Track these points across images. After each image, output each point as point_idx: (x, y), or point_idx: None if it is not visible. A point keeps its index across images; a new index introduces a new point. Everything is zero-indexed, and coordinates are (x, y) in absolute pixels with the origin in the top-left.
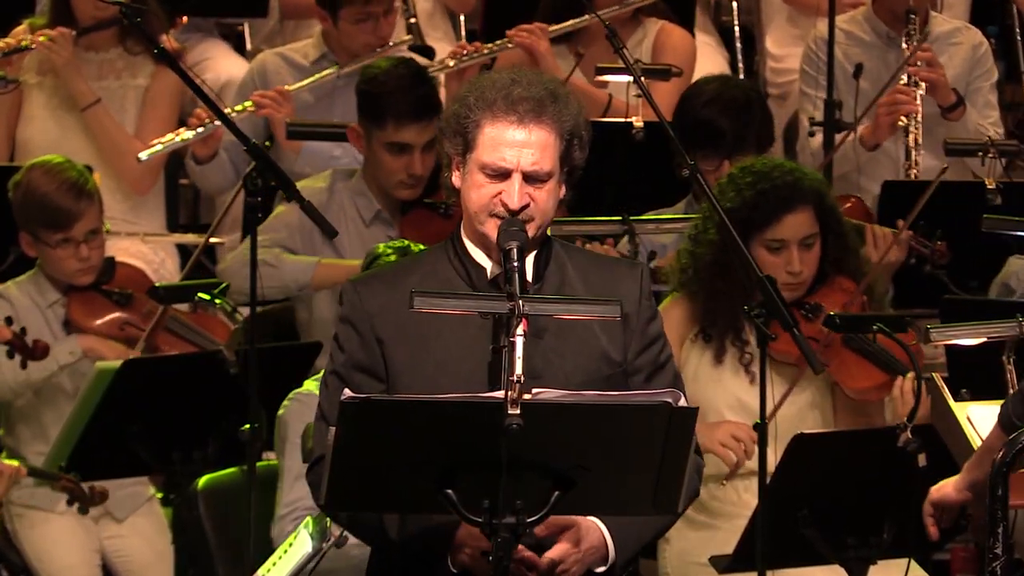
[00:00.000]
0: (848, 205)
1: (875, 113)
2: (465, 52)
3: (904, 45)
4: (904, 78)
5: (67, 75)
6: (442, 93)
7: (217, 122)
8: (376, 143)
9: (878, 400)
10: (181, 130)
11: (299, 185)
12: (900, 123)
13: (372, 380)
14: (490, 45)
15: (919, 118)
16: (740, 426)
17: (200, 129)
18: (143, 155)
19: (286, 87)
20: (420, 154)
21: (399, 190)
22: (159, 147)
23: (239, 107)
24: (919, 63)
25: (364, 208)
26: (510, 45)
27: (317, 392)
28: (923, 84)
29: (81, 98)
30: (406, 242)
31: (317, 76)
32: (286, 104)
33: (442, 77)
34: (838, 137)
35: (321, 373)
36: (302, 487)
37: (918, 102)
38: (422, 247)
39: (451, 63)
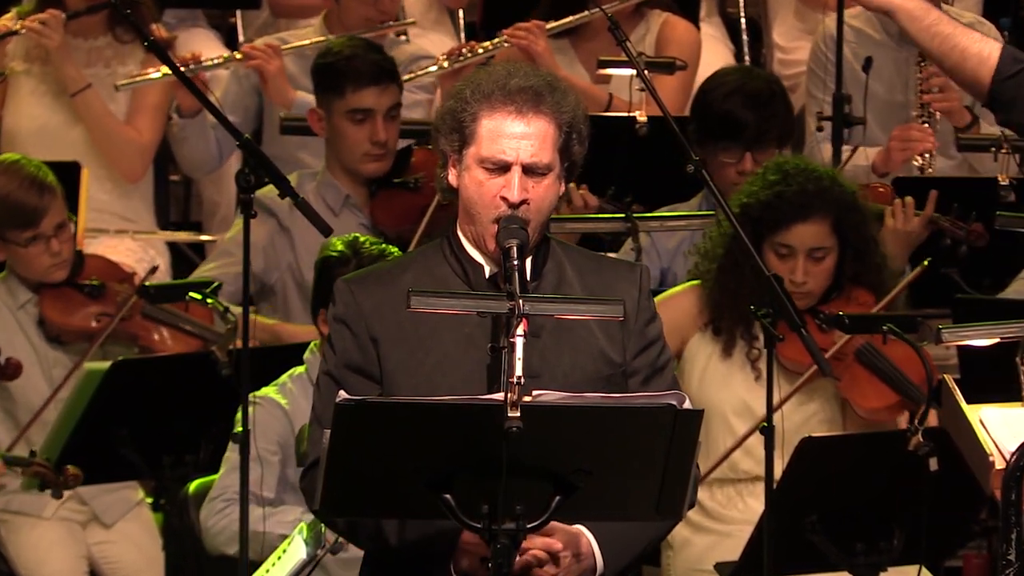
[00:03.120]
0: (881, 190)
1: (888, 146)
2: (460, 53)
3: (918, 73)
4: (918, 108)
5: (58, 59)
6: (437, 96)
7: (205, 62)
8: (337, 116)
9: (889, 421)
10: (163, 69)
11: (263, 192)
12: (915, 162)
13: (366, 381)
14: (486, 44)
15: (934, 154)
16: None
17: (185, 68)
18: (120, 83)
19: (281, 47)
20: (382, 121)
21: (365, 163)
22: (139, 80)
23: (226, 55)
24: (933, 89)
25: (331, 198)
26: (507, 44)
27: (275, 396)
28: (937, 114)
29: (71, 83)
30: (355, 235)
31: (312, 40)
32: (276, 57)
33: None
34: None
35: (284, 378)
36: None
37: (933, 139)
38: (371, 240)
39: (446, 64)
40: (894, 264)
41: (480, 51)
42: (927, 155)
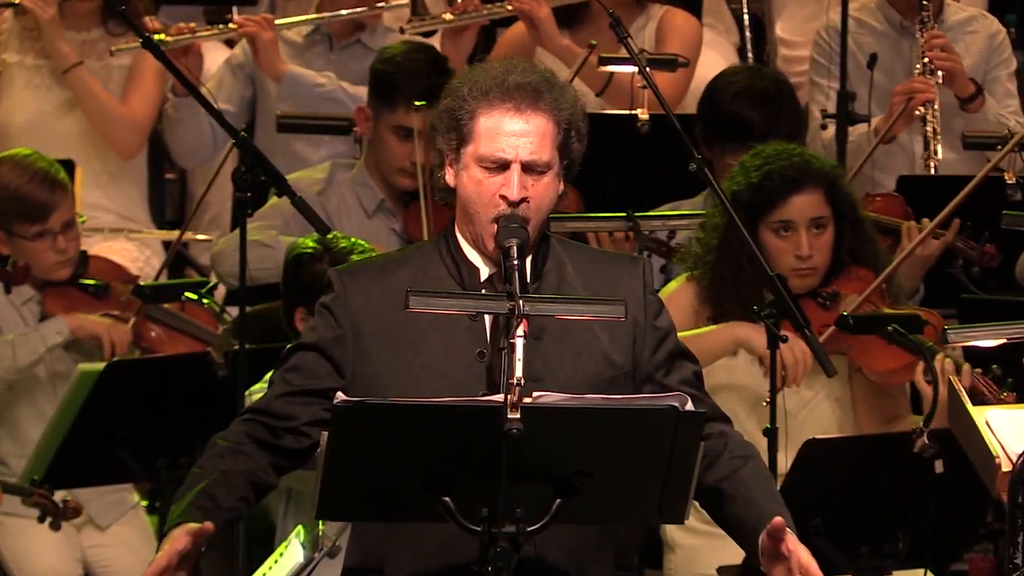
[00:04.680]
0: (880, 202)
1: (890, 103)
2: (464, 10)
3: (918, 35)
4: (919, 67)
5: (50, 34)
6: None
7: (200, 33)
8: (384, 125)
9: (902, 383)
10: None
11: (296, 176)
12: (917, 112)
13: (328, 368)
14: (489, 6)
15: (936, 107)
16: (797, 347)
17: (179, 36)
18: (115, 48)
19: (275, 20)
20: (426, 143)
21: (399, 177)
22: (133, 46)
23: (220, 26)
24: (934, 50)
25: (366, 199)
26: (509, 8)
27: None
28: (940, 73)
29: (64, 59)
30: (335, 233)
31: (309, 17)
32: (270, 29)
33: (438, 36)
34: (851, 131)
35: None
36: None
37: (935, 90)
38: (340, 235)
39: (448, 16)
40: (907, 285)
41: (484, 12)
42: (928, 105)
